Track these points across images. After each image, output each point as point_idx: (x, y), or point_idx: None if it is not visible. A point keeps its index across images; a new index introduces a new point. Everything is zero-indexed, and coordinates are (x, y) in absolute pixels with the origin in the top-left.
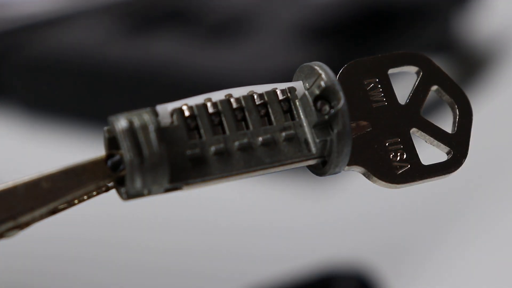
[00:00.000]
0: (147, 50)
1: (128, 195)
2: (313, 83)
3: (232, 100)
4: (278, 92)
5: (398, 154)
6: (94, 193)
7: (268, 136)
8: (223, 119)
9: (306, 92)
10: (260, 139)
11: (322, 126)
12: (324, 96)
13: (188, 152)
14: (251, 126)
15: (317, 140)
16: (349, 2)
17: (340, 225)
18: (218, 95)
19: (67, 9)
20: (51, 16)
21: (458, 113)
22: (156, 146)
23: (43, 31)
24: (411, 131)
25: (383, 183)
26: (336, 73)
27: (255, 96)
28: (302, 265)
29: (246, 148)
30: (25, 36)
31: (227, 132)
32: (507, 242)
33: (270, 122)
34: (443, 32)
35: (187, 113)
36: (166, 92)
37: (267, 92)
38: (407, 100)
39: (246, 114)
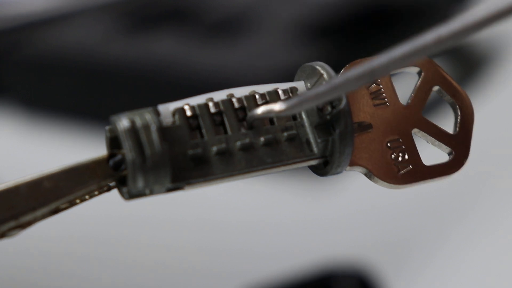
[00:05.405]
0: (148, 49)
1: (130, 195)
2: (315, 83)
3: (233, 100)
4: (280, 92)
5: (400, 154)
6: (96, 192)
7: (270, 136)
8: (225, 118)
9: None
10: (262, 139)
11: (324, 126)
12: None
13: (190, 152)
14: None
15: (319, 140)
16: (350, 1)
17: (341, 225)
18: (219, 95)
19: (67, 8)
20: (51, 15)
21: (459, 113)
22: (158, 146)
23: (42, 29)
24: (412, 132)
25: (385, 183)
26: (337, 73)
27: (257, 96)
28: (302, 264)
29: (248, 148)
30: (24, 35)
31: (229, 132)
32: (509, 241)
33: (272, 122)
34: None
35: (189, 113)
36: (167, 92)
37: (269, 92)
38: (408, 101)
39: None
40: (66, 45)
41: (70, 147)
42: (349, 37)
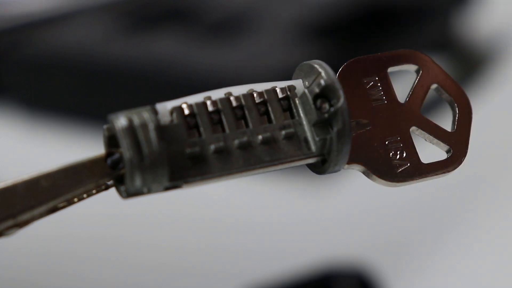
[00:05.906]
0: (147, 49)
1: (128, 193)
2: (313, 82)
3: (231, 98)
4: (278, 90)
5: (398, 152)
6: (94, 191)
7: (268, 134)
8: (223, 117)
9: (306, 91)
10: (260, 137)
11: (322, 125)
12: (324, 94)
13: (188, 150)
14: (250, 125)
15: (317, 139)
16: (350, 1)
17: (340, 224)
18: (217, 94)
19: (67, 8)
20: (51, 15)
21: (457, 111)
22: (155, 144)
23: (42, 29)
24: (410, 130)
25: (383, 181)
26: (336, 72)
27: (255, 95)
28: (302, 263)
29: (246, 147)
30: (24, 35)
31: (227, 130)
32: (508, 241)
33: (270, 121)
34: (443, 31)
35: (186, 112)
36: (165, 90)
37: (266, 91)
38: (406, 99)
39: (246, 112)
40: (66, 45)
41: (70, 147)
42: (349, 37)
